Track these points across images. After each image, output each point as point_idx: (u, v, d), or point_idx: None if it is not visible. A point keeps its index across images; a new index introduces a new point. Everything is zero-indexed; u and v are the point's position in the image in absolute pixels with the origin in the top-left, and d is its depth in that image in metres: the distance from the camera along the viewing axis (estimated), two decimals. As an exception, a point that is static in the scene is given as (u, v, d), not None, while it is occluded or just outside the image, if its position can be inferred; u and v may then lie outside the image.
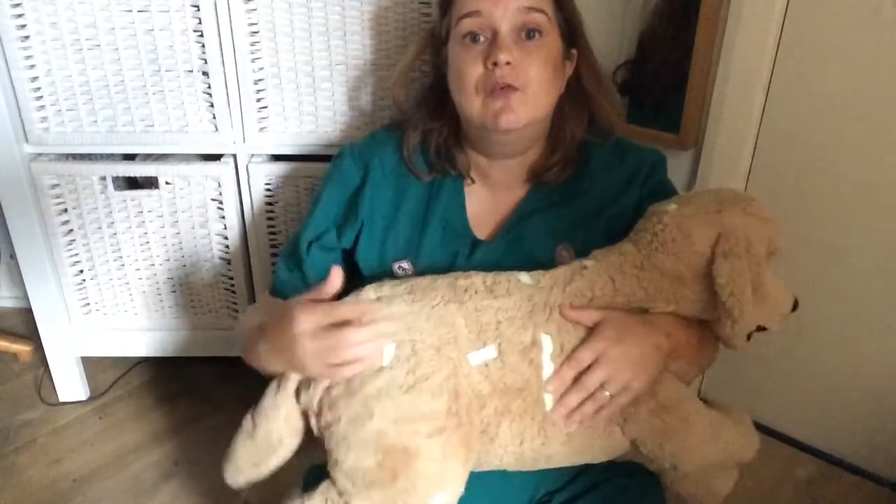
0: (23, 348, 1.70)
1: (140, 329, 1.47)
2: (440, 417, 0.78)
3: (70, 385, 1.56)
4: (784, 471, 1.43)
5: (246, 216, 1.36)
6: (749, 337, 0.85)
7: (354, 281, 0.98)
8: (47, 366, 1.54)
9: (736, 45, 1.29)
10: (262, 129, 1.29)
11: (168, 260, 1.40)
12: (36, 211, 1.35)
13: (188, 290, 1.43)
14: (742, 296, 0.79)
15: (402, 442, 0.77)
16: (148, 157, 1.35)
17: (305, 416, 0.84)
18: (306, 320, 0.79)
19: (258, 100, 1.27)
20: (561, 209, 0.95)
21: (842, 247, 1.33)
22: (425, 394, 0.78)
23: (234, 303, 1.44)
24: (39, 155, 1.33)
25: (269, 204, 1.35)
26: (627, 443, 0.85)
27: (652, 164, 0.97)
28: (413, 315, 0.81)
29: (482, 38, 0.87)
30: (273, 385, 0.86)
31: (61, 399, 1.57)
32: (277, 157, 1.34)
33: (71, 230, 1.37)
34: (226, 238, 1.37)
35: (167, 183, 1.32)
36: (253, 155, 1.33)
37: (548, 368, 0.81)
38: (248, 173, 1.32)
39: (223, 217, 1.35)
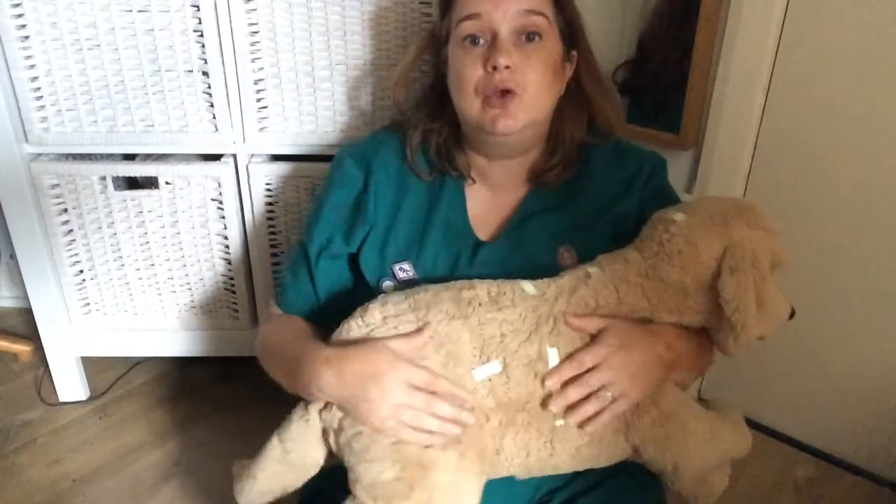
0: (23, 348, 1.70)
1: (140, 329, 1.47)
2: (454, 435, 0.79)
3: (70, 385, 1.56)
4: (784, 471, 1.43)
5: (246, 216, 1.36)
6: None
7: (359, 284, 0.98)
8: (47, 366, 1.53)
9: (736, 45, 1.29)
10: (262, 129, 1.29)
11: (168, 260, 1.40)
12: (36, 211, 1.35)
13: (188, 290, 1.43)
14: (746, 311, 0.79)
15: (419, 455, 0.78)
16: (148, 157, 1.35)
17: (325, 434, 0.85)
18: (411, 374, 0.78)
19: (258, 100, 1.27)
20: (562, 210, 0.95)
21: (841, 247, 1.33)
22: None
23: (234, 303, 1.44)
24: (39, 155, 1.33)
25: (270, 204, 1.35)
26: (630, 450, 0.85)
27: (652, 167, 0.97)
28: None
29: (482, 41, 0.87)
30: (300, 409, 0.86)
31: (61, 399, 1.56)
32: (277, 157, 1.34)
33: (71, 230, 1.37)
34: (226, 238, 1.37)
35: (167, 183, 1.32)
36: (253, 155, 1.33)
37: None
38: (248, 173, 1.31)
39: (223, 217, 1.35)
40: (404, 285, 0.93)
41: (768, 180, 1.37)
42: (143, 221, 1.36)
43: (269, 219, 1.36)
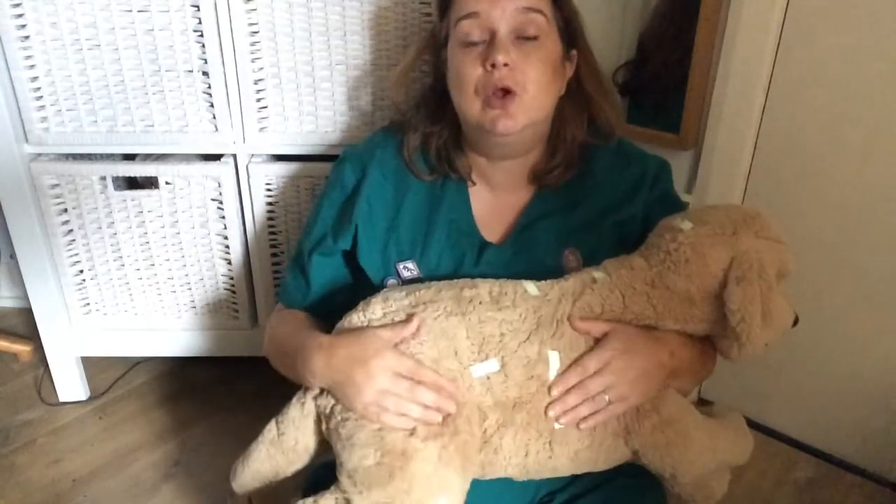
0: (23, 348, 1.70)
1: (140, 329, 1.47)
2: (435, 423, 0.79)
3: (70, 385, 1.56)
4: (784, 471, 1.43)
5: (246, 216, 1.36)
6: None
7: (360, 283, 0.98)
8: (47, 366, 1.53)
9: (736, 45, 1.29)
10: (262, 129, 1.29)
11: (168, 260, 1.40)
12: (36, 211, 1.35)
13: (188, 290, 1.43)
14: (752, 321, 0.80)
15: (401, 443, 0.78)
16: (148, 157, 1.35)
17: (319, 421, 0.86)
18: (396, 362, 0.80)
19: (258, 100, 1.27)
20: (567, 213, 0.95)
21: (841, 247, 1.33)
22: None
23: (234, 303, 1.44)
24: (39, 155, 1.33)
25: (270, 204, 1.35)
26: (630, 453, 0.85)
27: (657, 172, 0.97)
28: None
29: (480, 40, 0.87)
30: (299, 393, 0.88)
31: (61, 399, 1.56)
32: (277, 157, 1.34)
33: (71, 230, 1.37)
34: (226, 238, 1.37)
35: (167, 183, 1.32)
36: (253, 155, 1.33)
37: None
38: (248, 173, 1.31)
39: (223, 217, 1.35)
40: (409, 284, 0.93)
41: (768, 180, 1.37)
42: (143, 221, 1.36)
43: (269, 219, 1.36)
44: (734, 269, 0.81)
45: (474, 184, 0.97)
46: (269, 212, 1.35)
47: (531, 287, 0.85)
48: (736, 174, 1.38)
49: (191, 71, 1.24)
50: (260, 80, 1.25)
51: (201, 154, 1.33)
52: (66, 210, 1.36)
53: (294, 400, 0.88)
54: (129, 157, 1.35)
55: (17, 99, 1.26)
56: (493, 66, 0.85)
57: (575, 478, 0.90)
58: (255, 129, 1.29)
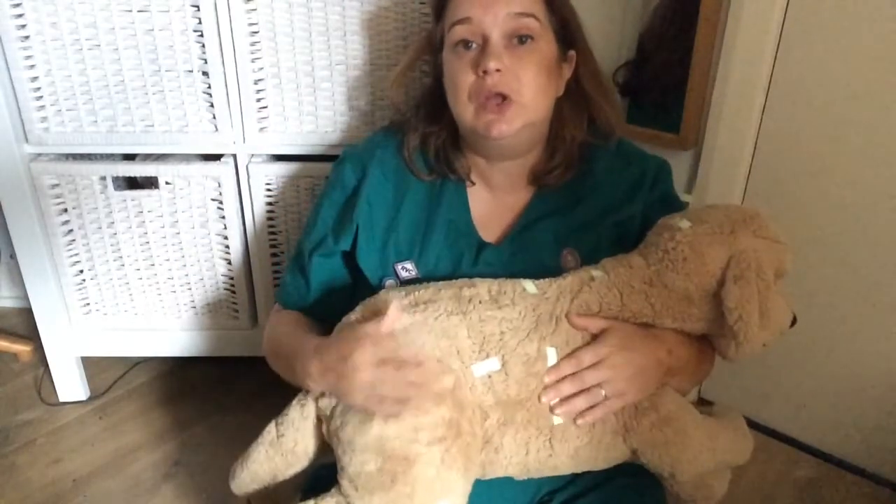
0: (23, 348, 1.70)
1: (140, 329, 1.47)
2: (440, 427, 0.78)
3: (70, 385, 1.56)
4: (784, 471, 1.43)
5: (246, 216, 1.36)
6: None
7: (360, 284, 0.98)
8: (47, 366, 1.54)
9: (736, 45, 1.29)
10: (262, 129, 1.29)
11: (168, 260, 1.40)
12: (36, 211, 1.35)
13: (188, 290, 1.43)
14: (750, 320, 0.80)
15: (403, 449, 0.78)
16: (148, 157, 1.35)
17: (319, 423, 0.86)
18: (372, 351, 0.78)
19: (258, 100, 1.27)
20: (566, 213, 0.95)
21: (841, 247, 1.33)
22: (427, 403, 0.78)
23: (234, 303, 1.44)
24: (39, 155, 1.33)
25: (270, 204, 1.35)
26: (629, 452, 0.85)
27: (657, 173, 0.97)
28: (415, 327, 0.81)
29: (474, 45, 0.88)
30: (300, 395, 0.87)
31: (61, 399, 1.57)
32: (277, 157, 1.34)
33: (71, 230, 1.37)
34: (226, 238, 1.37)
35: (167, 183, 1.32)
36: (253, 155, 1.33)
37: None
38: (248, 173, 1.32)
39: (223, 217, 1.35)
40: (407, 284, 0.93)
41: (768, 180, 1.37)
42: (143, 221, 1.36)
43: (269, 219, 1.36)
44: (732, 267, 0.81)
45: (473, 184, 0.98)
46: (268, 212, 1.35)
47: (529, 285, 0.85)
48: (736, 174, 1.38)
49: (191, 71, 1.24)
50: (260, 80, 1.25)
51: (201, 154, 1.33)
52: (66, 210, 1.36)
53: (295, 402, 0.87)
54: (129, 157, 1.35)
55: (17, 99, 1.26)
56: (486, 72, 0.85)
57: (575, 477, 0.90)
58: (255, 129, 1.29)
